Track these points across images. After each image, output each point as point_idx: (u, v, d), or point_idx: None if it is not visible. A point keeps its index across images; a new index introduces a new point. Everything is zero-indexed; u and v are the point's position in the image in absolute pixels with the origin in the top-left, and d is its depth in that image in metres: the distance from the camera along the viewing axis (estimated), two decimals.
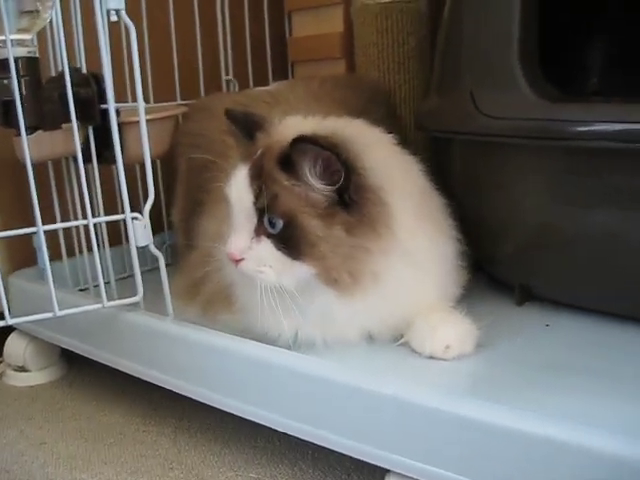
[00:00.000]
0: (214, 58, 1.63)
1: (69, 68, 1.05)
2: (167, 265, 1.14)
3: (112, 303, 1.13)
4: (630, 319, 1.06)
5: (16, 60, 1.02)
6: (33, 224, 1.05)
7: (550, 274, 1.13)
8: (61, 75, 1.08)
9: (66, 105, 1.05)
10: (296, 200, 0.94)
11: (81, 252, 1.34)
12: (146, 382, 1.16)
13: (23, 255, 1.40)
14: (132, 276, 1.14)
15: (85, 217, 1.11)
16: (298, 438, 0.98)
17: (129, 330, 1.18)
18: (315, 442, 0.96)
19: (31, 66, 1.10)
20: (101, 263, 1.13)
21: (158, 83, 1.45)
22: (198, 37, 1.56)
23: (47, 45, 1.22)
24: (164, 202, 1.48)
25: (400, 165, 1.05)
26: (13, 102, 1.01)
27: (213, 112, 1.37)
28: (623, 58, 1.37)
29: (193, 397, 1.09)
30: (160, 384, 1.14)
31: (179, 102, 1.49)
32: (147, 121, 1.07)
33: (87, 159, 1.15)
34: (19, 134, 1.02)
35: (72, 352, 1.33)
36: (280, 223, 0.94)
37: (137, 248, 1.10)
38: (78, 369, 1.47)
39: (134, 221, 1.08)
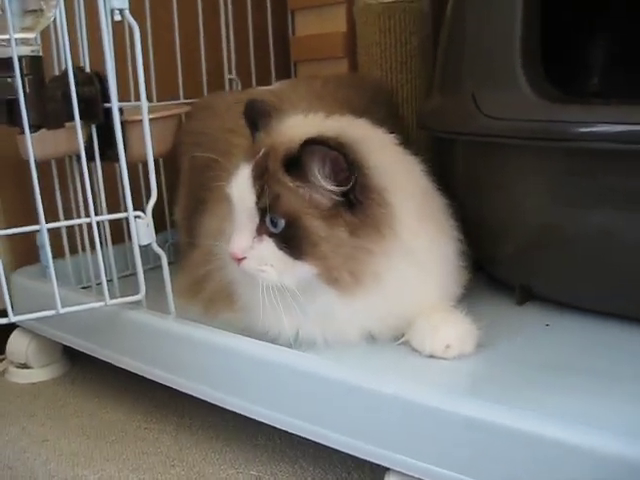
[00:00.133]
0: (217, 57, 1.63)
1: (73, 67, 1.06)
2: (169, 263, 1.14)
3: (114, 301, 1.13)
4: (630, 319, 1.06)
5: (20, 59, 1.02)
6: (36, 222, 1.05)
7: (551, 274, 1.13)
8: (64, 74, 1.08)
9: (69, 104, 1.05)
10: (300, 201, 0.95)
11: (84, 250, 1.34)
12: (148, 380, 1.17)
13: (26, 252, 1.40)
14: (135, 274, 1.15)
15: (88, 215, 1.12)
16: (299, 436, 0.98)
17: (131, 328, 1.18)
18: (316, 440, 0.96)
19: (34, 65, 1.10)
20: (104, 261, 1.14)
21: (161, 82, 1.46)
22: (201, 36, 1.56)
23: (51, 44, 1.22)
24: (167, 200, 1.48)
25: (402, 165, 1.06)
26: (17, 101, 1.01)
27: (216, 111, 1.38)
28: (625, 56, 1.37)
29: (195, 395, 1.10)
30: (162, 382, 1.14)
31: (182, 101, 1.49)
32: (150, 120, 1.07)
33: (90, 157, 1.15)
34: (23, 132, 1.02)
35: (74, 349, 1.33)
36: (282, 223, 0.94)
37: (140, 246, 1.10)
38: (80, 366, 1.47)
39: (137, 219, 1.09)
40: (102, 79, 1.13)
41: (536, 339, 1.07)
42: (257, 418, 1.02)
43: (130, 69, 1.31)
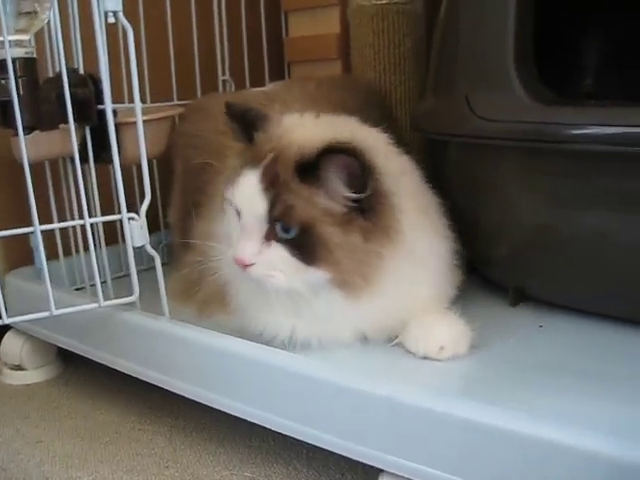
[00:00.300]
0: (211, 58, 1.63)
1: (66, 69, 1.06)
2: (163, 264, 1.14)
3: (108, 303, 1.13)
4: (623, 320, 1.06)
5: (14, 61, 1.02)
6: (30, 223, 1.05)
7: (545, 275, 1.13)
8: (58, 76, 1.09)
9: (63, 105, 1.05)
10: (315, 209, 0.94)
11: (77, 251, 1.34)
12: (142, 381, 1.17)
13: (20, 254, 1.40)
14: (128, 275, 1.15)
15: (82, 217, 1.12)
16: (292, 438, 0.98)
17: (125, 329, 1.18)
18: (309, 442, 0.97)
19: (28, 67, 1.10)
20: (97, 263, 1.14)
21: (154, 83, 1.45)
22: (195, 37, 1.56)
23: (44, 46, 1.22)
24: (160, 202, 1.48)
25: (401, 167, 1.06)
26: (11, 102, 1.01)
27: (209, 113, 1.37)
28: (619, 56, 1.37)
29: (189, 396, 1.10)
30: (156, 383, 1.14)
31: (175, 102, 1.49)
32: (144, 122, 1.06)
33: (84, 159, 1.15)
34: (16, 134, 1.02)
35: (68, 351, 1.33)
36: (294, 230, 0.94)
37: (133, 248, 1.10)
38: (74, 368, 1.47)
39: (131, 221, 1.09)
40: (96, 81, 1.14)
41: (530, 340, 1.07)
42: (251, 419, 1.02)
43: (124, 71, 1.31)
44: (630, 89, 1.20)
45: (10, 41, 1.01)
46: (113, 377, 1.27)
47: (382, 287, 0.98)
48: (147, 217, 1.10)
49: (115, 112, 1.10)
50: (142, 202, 1.10)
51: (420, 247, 1.02)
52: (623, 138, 0.94)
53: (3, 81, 1.04)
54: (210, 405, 1.07)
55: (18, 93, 1.02)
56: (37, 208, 1.04)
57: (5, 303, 1.07)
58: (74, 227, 1.32)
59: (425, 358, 0.99)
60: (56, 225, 1.20)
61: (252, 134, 1.02)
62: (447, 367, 0.98)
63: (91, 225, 1.12)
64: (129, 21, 1.03)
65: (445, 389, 0.95)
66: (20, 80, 1.06)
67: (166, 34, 1.50)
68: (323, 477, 1.06)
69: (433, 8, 1.43)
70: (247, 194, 0.96)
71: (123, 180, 1.08)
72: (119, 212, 1.10)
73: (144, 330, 1.15)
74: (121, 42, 1.22)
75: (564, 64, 1.32)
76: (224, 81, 1.67)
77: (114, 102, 1.08)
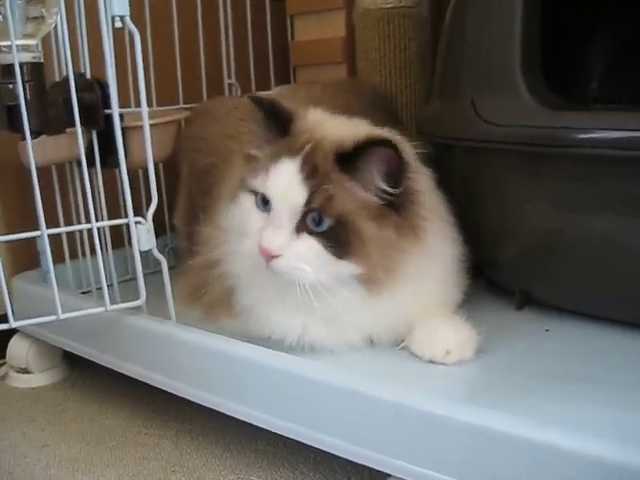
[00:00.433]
0: (216, 62, 1.64)
1: (73, 73, 1.06)
2: (170, 268, 1.14)
3: (115, 307, 1.13)
4: (630, 324, 1.06)
5: (21, 65, 1.02)
6: (37, 227, 1.05)
7: (552, 279, 1.13)
8: (65, 80, 1.09)
9: (70, 110, 1.06)
10: (353, 201, 0.95)
11: (84, 255, 1.34)
12: (148, 385, 1.17)
13: (26, 257, 1.41)
14: (134, 278, 1.15)
15: (88, 221, 1.12)
16: (299, 441, 0.98)
17: (131, 333, 1.18)
18: (316, 446, 0.96)
19: (36, 71, 1.11)
20: (104, 266, 1.14)
21: (161, 87, 1.46)
22: (201, 40, 1.57)
23: (51, 50, 1.23)
24: (166, 205, 1.48)
25: (420, 167, 1.07)
26: (18, 107, 1.02)
27: (215, 116, 1.38)
28: (625, 58, 1.37)
29: (195, 400, 1.10)
30: (162, 387, 1.14)
31: (182, 106, 1.50)
32: (150, 126, 1.07)
33: (91, 163, 1.15)
34: (24, 138, 1.03)
35: (74, 354, 1.33)
36: (328, 222, 0.94)
37: (140, 252, 1.10)
38: (80, 371, 1.47)
39: (137, 225, 1.09)
40: (103, 85, 1.14)
41: (536, 344, 1.07)
42: (257, 424, 1.02)
43: (130, 75, 1.31)
44: (637, 92, 1.20)
45: (17, 46, 1.01)
46: (119, 381, 1.27)
47: (400, 285, 0.99)
48: (153, 221, 1.10)
49: (122, 116, 1.10)
50: (149, 206, 1.10)
51: (435, 249, 1.02)
52: (630, 142, 0.94)
53: (10, 86, 1.04)
54: (216, 409, 1.07)
55: (25, 98, 1.03)
56: (44, 212, 1.04)
57: (12, 307, 1.08)
58: (80, 231, 1.32)
59: (431, 362, 1.00)
60: (63, 229, 1.20)
61: (283, 126, 1.01)
62: (453, 371, 0.98)
63: (97, 229, 1.12)
64: (136, 25, 1.04)
65: (451, 393, 0.95)
66: (27, 85, 1.07)
67: (172, 38, 1.51)
68: None
69: (439, 12, 1.43)
70: (284, 183, 0.95)
71: (129, 184, 1.08)
72: (125, 216, 1.10)
73: (151, 334, 1.15)
74: (127, 46, 1.23)
75: (570, 65, 1.31)
76: (230, 85, 1.67)
77: (120, 106, 1.08)
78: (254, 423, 1.03)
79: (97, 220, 1.13)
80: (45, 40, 1.16)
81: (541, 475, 0.77)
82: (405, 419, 0.87)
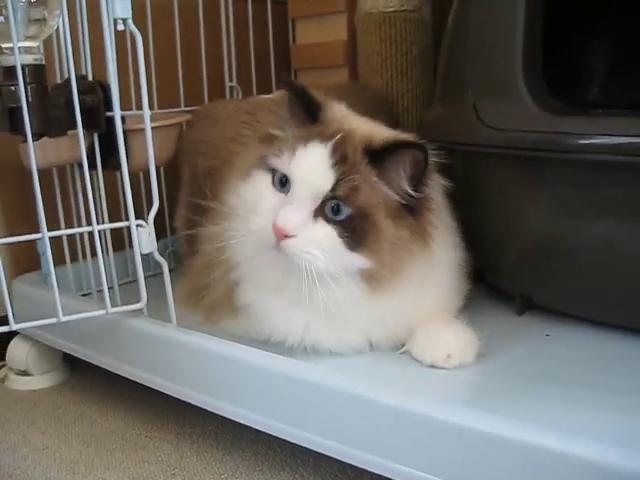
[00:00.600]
0: (218, 65, 1.64)
1: (75, 75, 1.06)
2: (170, 270, 1.14)
3: (116, 309, 1.13)
4: (630, 330, 1.06)
5: (23, 67, 1.02)
6: (37, 229, 1.05)
7: (553, 284, 1.13)
8: (67, 82, 1.09)
9: (72, 112, 1.06)
10: (375, 195, 0.95)
11: (84, 257, 1.34)
12: (148, 388, 1.17)
13: (27, 259, 1.41)
14: (135, 281, 1.15)
15: (89, 223, 1.12)
16: (299, 445, 0.98)
17: (132, 336, 1.18)
18: (316, 449, 0.97)
19: (37, 73, 1.10)
20: (105, 269, 1.14)
21: (162, 89, 1.46)
22: (202, 44, 1.57)
23: (53, 52, 1.23)
24: (167, 208, 1.48)
25: (433, 174, 1.07)
26: (20, 109, 1.02)
27: (217, 119, 1.38)
28: (626, 60, 1.37)
29: (195, 403, 1.10)
30: (163, 390, 1.14)
31: (183, 109, 1.50)
32: (152, 128, 1.07)
33: (92, 166, 1.15)
34: (25, 140, 1.03)
35: (74, 357, 1.33)
36: (347, 212, 0.94)
37: (141, 255, 1.10)
38: (80, 374, 1.47)
39: (139, 228, 1.09)
40: (104, 88, 1.14)
41: (536, 349, 1.07)
42: (257, 427, 1.02)
43: (132, 77, 1.31)
44: (638, 94, 1.21)
45: (20, 48, 1.01)
46: (119, 383, 1.27)
47: (402, 288, 0.99)
48: (154, 223, 1.10)
49: (123, 119, 1.10)
50: (149, 209, 1.10)
51: (439, 256, 1.03)
52: (632, 148, 0.94)
53: (12, 87, 1.04)
54: (217, 412, 1.07)
55: (27, 100, 1.03)
56: (45, 214, 1.04)
57: (12, 309, 1.08)
58: (81, 233, 1.32)
59: (432, 366, 0.99)
60: (64, 232, 1.20)
61: (311, 112, 1.02)
62: (453, 376, 0.98)
63: (98, 231, 1.12)
64: (138, 28, 1.04)
65: (451, 398, 0.95)
66: (29, 87, 1.06)
67: (174, 41, 1.51)
68: None
69: (440, 16, 1.43)
70: (312, 166, 0.95)
71: (130, 187, 1.08)
72: (126, 218, 1.10)
73: (151, 337, 1.15)
74: (129, 48, 1.23)
75: (571, 67, 1.31)
76: (231, 87, 1.68)
77: (122, 109, 1.09)
78: (254, 426, 1.03)
79: (98, 223, 1.13)
80: (47, 42, 1.16)
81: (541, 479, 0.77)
82: (405, 423, 0.87)
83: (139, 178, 1.40)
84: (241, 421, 1.04)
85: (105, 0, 1.01)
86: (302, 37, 1.78)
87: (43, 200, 1.04)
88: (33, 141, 1.03)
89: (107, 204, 1.25)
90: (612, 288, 1.04)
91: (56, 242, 1.20)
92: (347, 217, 0.94)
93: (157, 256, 1.11)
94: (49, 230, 1.06)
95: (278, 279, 1.01)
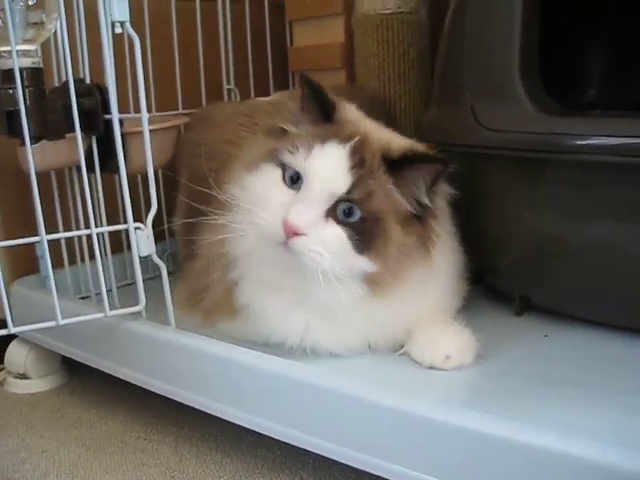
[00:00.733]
0: (215, 67, 1.64)
1: (73, 78, 1.06)
2: (169, 273, 1.14)
3: (114, 312, 1.13)
4: (629, 330, 1.06)
5: (21, 71, 1.02)
6: (36, 232, 1.05)
7: (552, 285, 1.13)
8: (65, 85, 1.09)
9: (70, 115, 1.05)
10: (388, 203, 0.96)
11: (83, 260, 1.34)
12: (147, 390, 1.17)
13: (25, 262, 1.41)
14: (133, 283, 1.15)
15: (88, 226, 1.12)
16: (299, 447, 0.98)
17: (131, 339, 1.18)
18: (315, 451, 0.97)
19: (35, 76, 1.10)
20: (103, 272, 1.14)
21: (160, 92, 1.46)
22: (200, 46, 1.57)
23: (51, 55, 1.23)
24: (165, 210, 1.48)
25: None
26: (17, 112, 1.02)
27: (214, 121, 1.38)
28: (623, 62, 1.37)
29: (194, 406, 1.10)
30: (161, 393, 1.14)
31: (181, 111, 1.50)
32: (150, 131, 1.07)
33: (90, 169, 1.15)
34: (23, 144, 1.03)
35: (73, 360, 1.33)
36: (358, 215, 0.94)
37: (139, 257, 1.10)
38: (79, 377, 1.47)
39: (137, 231, 1.09)
40: (102, 90, 1.14)
41: (535, 350, 1.07)
42: (256, 429, 1.02)
43: (129, 80, 1.31)
44: (635, 96, 1.21)
45: (17, 51, 1.01)
46: (118, 386, 1.27)
47: (403, 293, 1.00)
48: (153, 226, 1.10)
49: (121, 122, 1.10)
50: (148, 211, 1.10)
51: (439, 264, 1.03)
52: (630, 149, 0.94)
53: (10, 91, 1.04)
54: (216, 415, 1.07)
55: (25, 103, 1.03)
56: (43, 217, 1.04)
57: (11, 312, 1.08)
58: (80, 236, 1.32)
59: (431, 368, 0.99)
60: (62, 235, 1.20)
61: (325, 111, 1.02)
62: (452, 377, 0.98)
63: (97, 234, 1.12)
64: (135, 31, 1.04)
65: (450, 399, 0.95)
66: (27, 90, 1.07)
67: (172, 43, 1.51)
68: None
69: (438, 18, 1.43)
70: (329, 166, 0.95)
71: (129, 189, 1.08)
72: (125, 221, 1.10)
73: (150, 340, 1.15)
74: (127, 52, 1.23)
75: (568, 69, 1.32)
76: (229, 90, 1.67)
77: (120, 112, 1.08)
78: (253, 429, 1.03)
79: (96, 225, 1.13)
80: (45, 45, 1.16)
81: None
82: (404, 424, 0.87)
83: (137, 181, 1.39)
84: (240, 423, 1.04)
85: (103, 3, 1.01)
86: (299, 39, 1.78)
87: (41, 203, 1.04)
88: (31, 144, 1.03)
89: (105, 207, 1.25)
90: (611, 288, 1.04)
91: (55, 245, 1.20)
92: (358, 220, 0.94)
93: (156, 259, 1.11)
94: (47, 233, 1.06)
95: (277, 276, 1.01)
